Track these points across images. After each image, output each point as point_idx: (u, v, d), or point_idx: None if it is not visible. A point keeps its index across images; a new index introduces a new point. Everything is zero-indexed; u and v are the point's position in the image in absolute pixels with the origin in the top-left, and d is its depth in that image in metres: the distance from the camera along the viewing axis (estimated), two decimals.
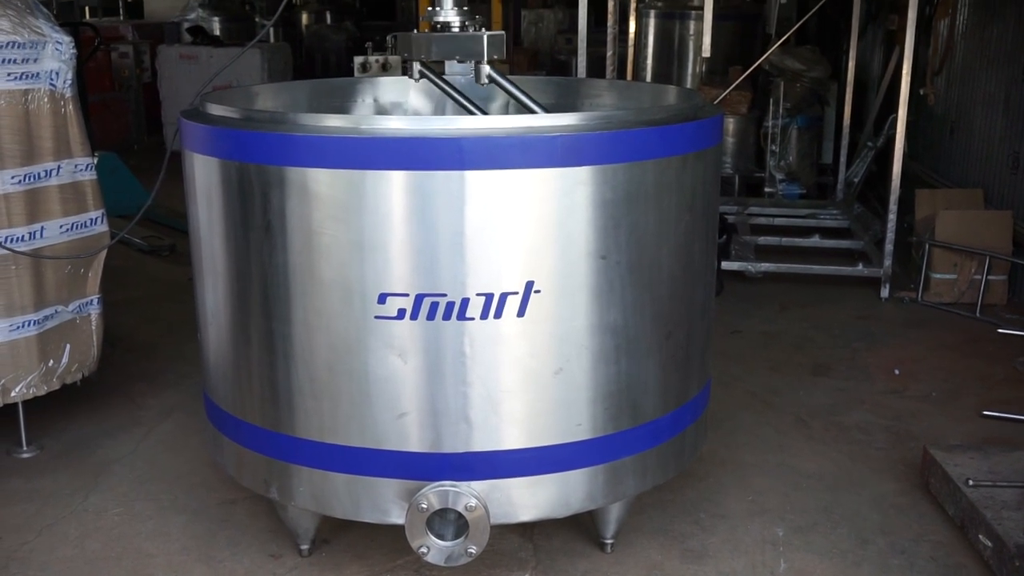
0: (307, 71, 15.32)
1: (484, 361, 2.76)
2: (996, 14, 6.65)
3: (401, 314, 2.73)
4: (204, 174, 2.97)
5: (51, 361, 3.97)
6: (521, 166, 2.67)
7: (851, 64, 7.88)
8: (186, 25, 12.63)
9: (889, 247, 6.09)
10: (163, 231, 7.32)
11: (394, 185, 2.66)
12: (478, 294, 2.71)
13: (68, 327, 4.03)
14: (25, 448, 4.01)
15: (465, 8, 3.45)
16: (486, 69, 3.33)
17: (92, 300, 4.12)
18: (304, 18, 17.56)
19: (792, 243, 6.90)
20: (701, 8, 7.21)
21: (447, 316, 2.72)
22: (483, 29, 3.42)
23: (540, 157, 2.68)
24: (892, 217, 6.09)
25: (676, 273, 3.00)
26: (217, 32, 13.17)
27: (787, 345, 5.34)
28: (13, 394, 3.89)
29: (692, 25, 9.47)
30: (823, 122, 8.70)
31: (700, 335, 3.21)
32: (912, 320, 5.75)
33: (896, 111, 6.22)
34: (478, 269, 2.70)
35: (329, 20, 17.39)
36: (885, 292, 6.10)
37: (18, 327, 3.83)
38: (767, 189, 8.36)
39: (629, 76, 8.57)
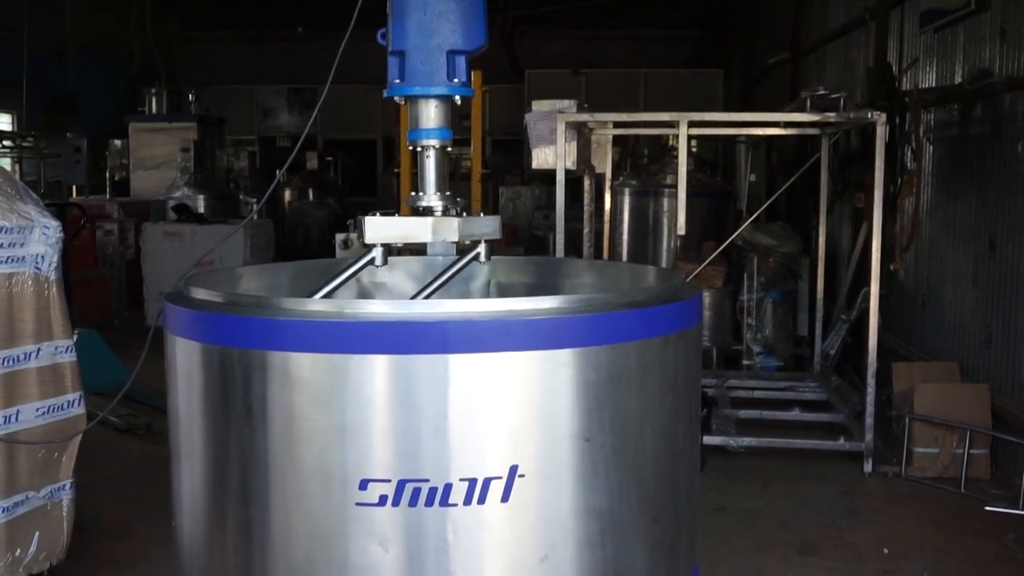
0: (289, 247, 15.55)
1: (467, 549, 2.69)
2: (959, 192, 6.91)
3: (383, 500, 2.67)
4: (185, 358, 2.95)
5: (18, 550, 3.85)
6: (504, 349, 2.67)
7: (821, 240, 8.09)
8: (171, 203, 12.88)
9: (870, 421, 6.09)
10: (140, 408, 7.23)
11: (377, 369, 2.66)
12: (461, 479, 2.66)
13: (38, 514, 3.93)
14: None
15: (447, 193, 3.54)
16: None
17: (65, 485, 4.03)
18: (287, 195, 17.94)
19: (773, 416, 6.89)
20: (674, 186, 7.45)
21: (429, 502, 2.66)
22: (464, 213, 3.50)
23: (523, 340, 2.69)
24: (871, 391, 6.11)
25: (661, 454, 2.97)
26: (202, 209, 13.42)
27: (772, 523, 5.25)
28: None
29: (666, 202, 9.78)
30: (797, 295, 8.86)
31: (687, 518, 3.15)
32: (897, 495, 5.69)
33: (867, 285, 6.35)
34: (461, 453, 2.66)
35: (311, 196, 17.75)
36: (868, 466, 6.06)
37: None
38: (745, 361, 8.42)
39: (605, 251, 8.75)
